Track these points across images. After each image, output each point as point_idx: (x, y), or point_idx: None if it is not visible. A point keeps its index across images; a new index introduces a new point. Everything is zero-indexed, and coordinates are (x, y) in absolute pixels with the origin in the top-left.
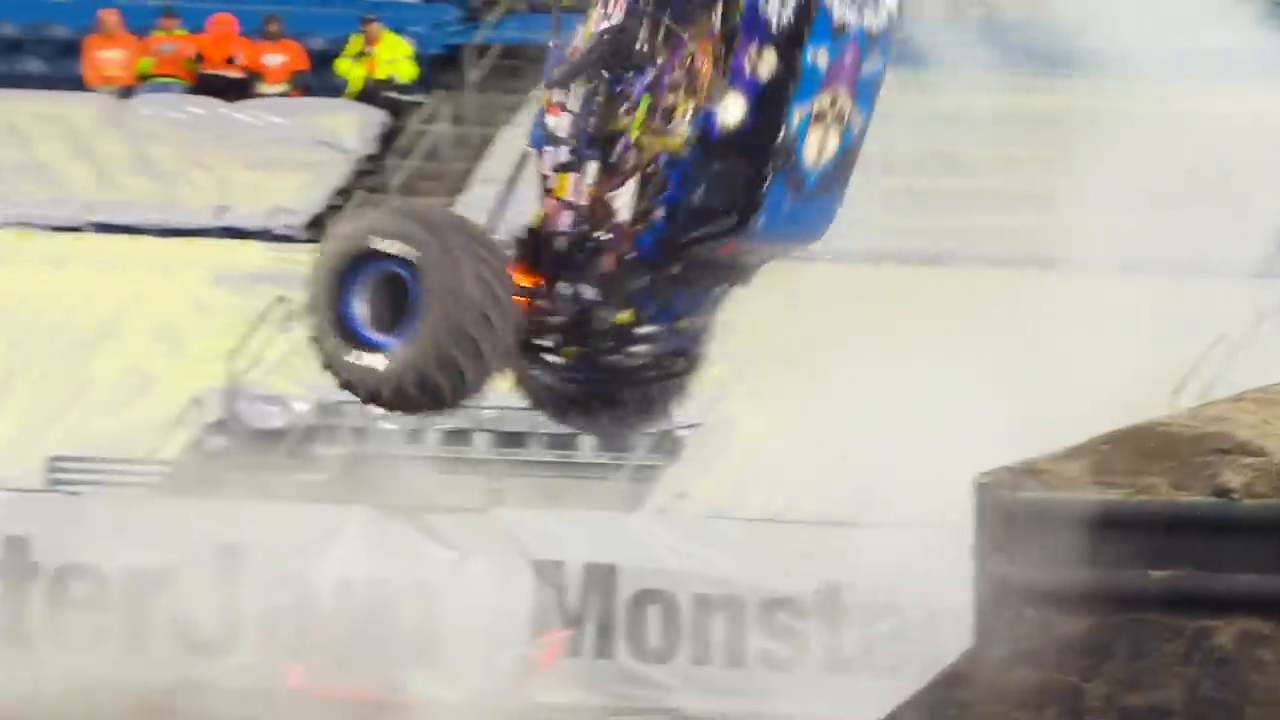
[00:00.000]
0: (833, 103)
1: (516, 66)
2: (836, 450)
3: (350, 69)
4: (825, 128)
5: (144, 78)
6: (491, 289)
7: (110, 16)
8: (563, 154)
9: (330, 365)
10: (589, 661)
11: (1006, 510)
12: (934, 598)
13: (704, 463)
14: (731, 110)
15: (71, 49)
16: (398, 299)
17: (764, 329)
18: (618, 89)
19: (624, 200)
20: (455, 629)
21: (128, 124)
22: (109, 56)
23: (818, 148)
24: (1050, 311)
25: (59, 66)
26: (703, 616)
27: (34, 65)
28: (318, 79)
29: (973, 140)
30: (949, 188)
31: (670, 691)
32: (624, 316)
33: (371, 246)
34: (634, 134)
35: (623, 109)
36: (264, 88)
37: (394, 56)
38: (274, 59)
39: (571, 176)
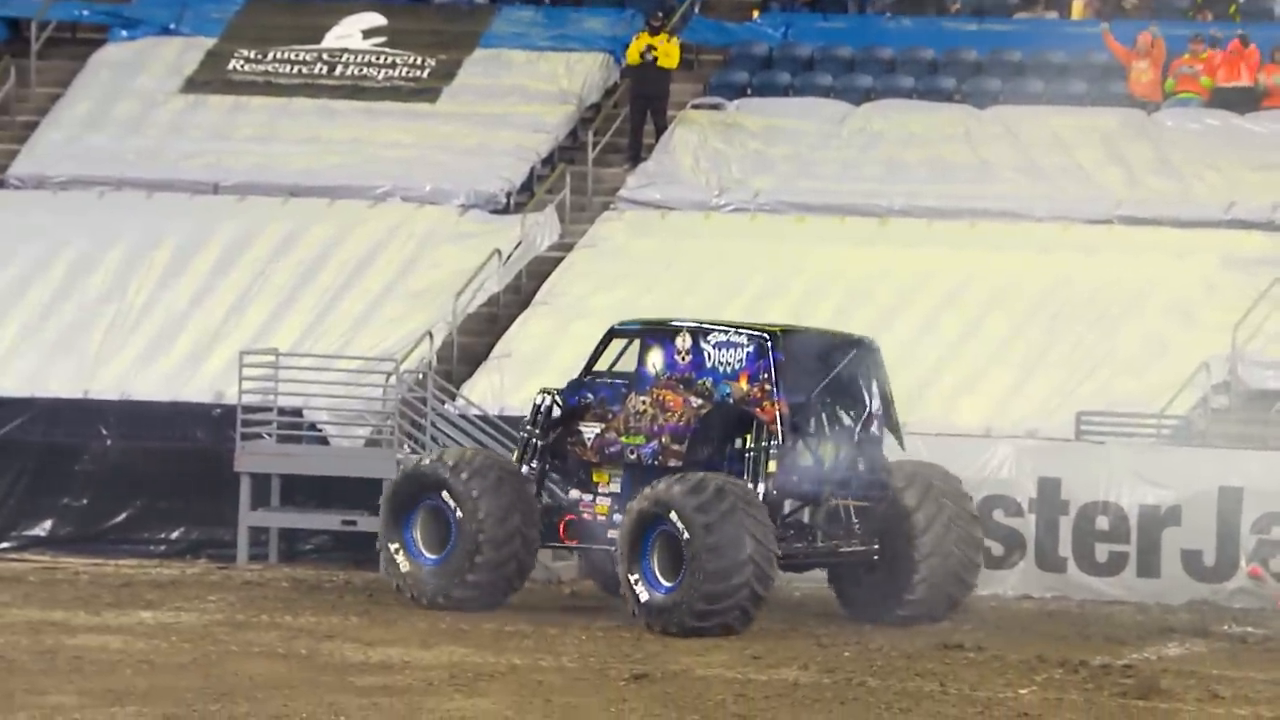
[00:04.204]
0: None
1: None
2: None
3: None
4: None
5: (1168, 94)
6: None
7: (1145, 39)
8: None
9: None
10: None
11: None
12: None
13: None
14: None
15: (1110, 71)
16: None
17: None
18: None
19: None
20: None
21: (1153, 133)
22: (1142, 76)
23: None
24: None
25: (1099, 86)
26: None
27: (1077, 86)
28: None
29: None
30: None
31: None
32: None
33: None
34: None
35: None
36: (1269, 102)
37: None
38: (1278, 77)
39: None
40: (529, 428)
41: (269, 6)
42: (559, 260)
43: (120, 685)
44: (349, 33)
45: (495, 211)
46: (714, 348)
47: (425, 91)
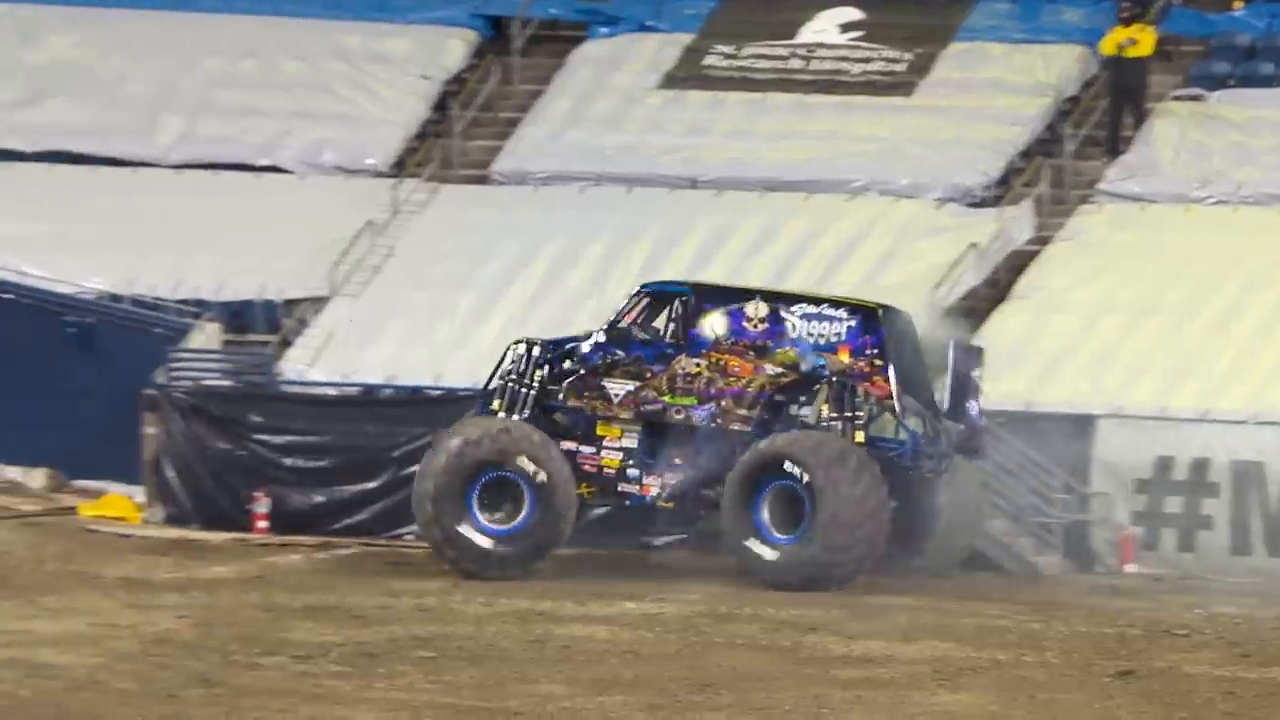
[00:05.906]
0: None
1: None
2: None
3: None
4: None
5: None
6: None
7: None
8: None
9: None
10: None
11: None
12: None
13: None
14: None
15: None
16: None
17: None
18: None
19: None
20: None
21: None
22: None
23: None
24: None
25: None
26: None
27: None
28: None
29: None
30: None
31: None
32: None
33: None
34: None
35: None
36: None
37: None
38: None
39: None
40: (514, 378)
41: (745, 3)
42: (1035, 254)
43: (607, 675)
44: (825, 27)
45: (972, 205)
46: (800, 319)
47: (901, 85)
